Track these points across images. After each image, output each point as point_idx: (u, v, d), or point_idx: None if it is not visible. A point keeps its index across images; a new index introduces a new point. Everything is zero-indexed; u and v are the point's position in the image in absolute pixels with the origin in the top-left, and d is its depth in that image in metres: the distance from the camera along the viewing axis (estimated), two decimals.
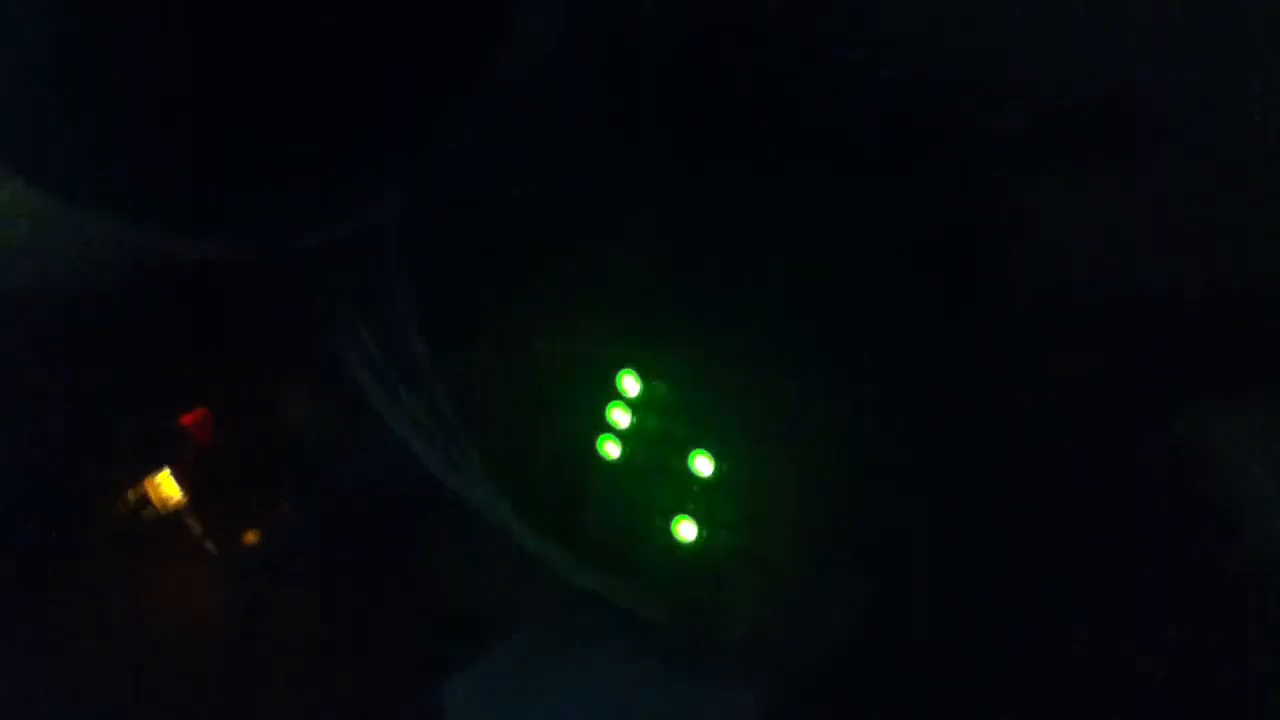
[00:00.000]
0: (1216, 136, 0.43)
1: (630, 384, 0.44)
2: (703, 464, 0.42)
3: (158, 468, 0.48)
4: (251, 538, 0.48)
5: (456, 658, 0.42)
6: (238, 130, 0.34)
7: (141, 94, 0.33)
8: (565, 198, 0.47)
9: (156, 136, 0.34)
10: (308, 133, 0.36)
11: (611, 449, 0.44)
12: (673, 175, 0.48)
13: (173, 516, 0.49)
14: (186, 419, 0.48)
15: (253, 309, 0.44)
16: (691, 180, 0.47)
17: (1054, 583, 0.43)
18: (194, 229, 0.35)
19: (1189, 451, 0.44)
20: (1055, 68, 0.44)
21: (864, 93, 0.48)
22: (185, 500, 0.49)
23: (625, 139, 0.48)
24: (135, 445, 0.48)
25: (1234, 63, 0.42)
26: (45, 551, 0.47)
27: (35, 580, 0.47)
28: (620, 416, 0.44)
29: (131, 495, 0.49)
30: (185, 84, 0.33)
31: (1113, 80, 0.44)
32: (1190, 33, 0.44)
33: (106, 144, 0.33)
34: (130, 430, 0.47)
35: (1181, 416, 0.44)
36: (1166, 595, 0.41)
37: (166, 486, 0.49)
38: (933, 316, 0.47)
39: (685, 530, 0.42)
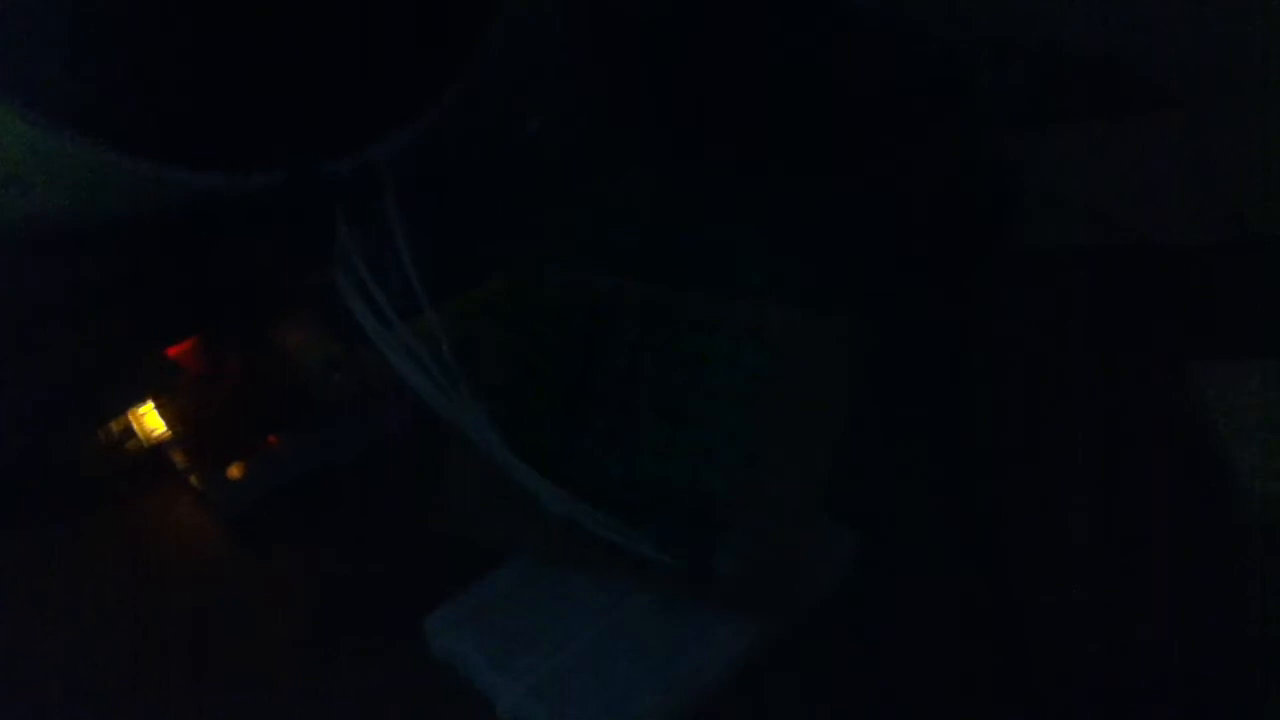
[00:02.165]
0: (1213, 93, 0.44)
1: (622, 322, 0.44)
2: (693, 404, 0.42)
3: (143, 399, 0.48)
4: (237, 471, 0.47)
5: (446, 588, 0.41)
6: (247, 60, 0.34)
7: (148, 22, 0.33)
8: (564, 138, 0.47)
9: (165, 66, 0.34)
10: (321, 62, 0.36)
11: (601, 386, 0.44)
12: (662, 151, 0.48)
13: (157, 449, 0.49)
14: (174, 350, 0.47)
15: (245, 239, 0.44)
16: (682, 158, 0.47)
17: (1047, 555, 0.43)
18: (201, 161, 0.35)
19: (1187, 404, 0.44)
20: (1056, 25, 0.45)
21: (864, 72, 0.48)
22: (170, 433, 0.48)
23: (623, 84, 0.48)
24: (121, 376, 0.47)
25: (1232, 19, 0.42)
26: (27, 481, 0.46)
27: (14, 510, 0.46)
28: (610, 355, 0.44)
29: (116, 427, 0.48)
30: (195, 11, 0.33)
31: (1112, 39, 0.44)
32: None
33: (111, 73, 0.33)
34: (116, 361, 0.46)
35: (1180, 368, 0.44)
36: (1166, 549, 0.41)
37: (151, 419, 0.48)
38: (930, 293, 0.47)
39: (674, 469, 0.42)
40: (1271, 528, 0.41)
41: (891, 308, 0.45)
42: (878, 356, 0.42)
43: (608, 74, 0.48)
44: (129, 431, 0.48)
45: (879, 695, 0.40)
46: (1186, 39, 0.45)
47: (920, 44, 0.47)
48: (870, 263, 0.45)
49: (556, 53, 0.47)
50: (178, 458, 0.48)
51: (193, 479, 0.48)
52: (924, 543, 0.43)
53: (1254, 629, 0.40)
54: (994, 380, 0.46)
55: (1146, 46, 0.45)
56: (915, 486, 0.44)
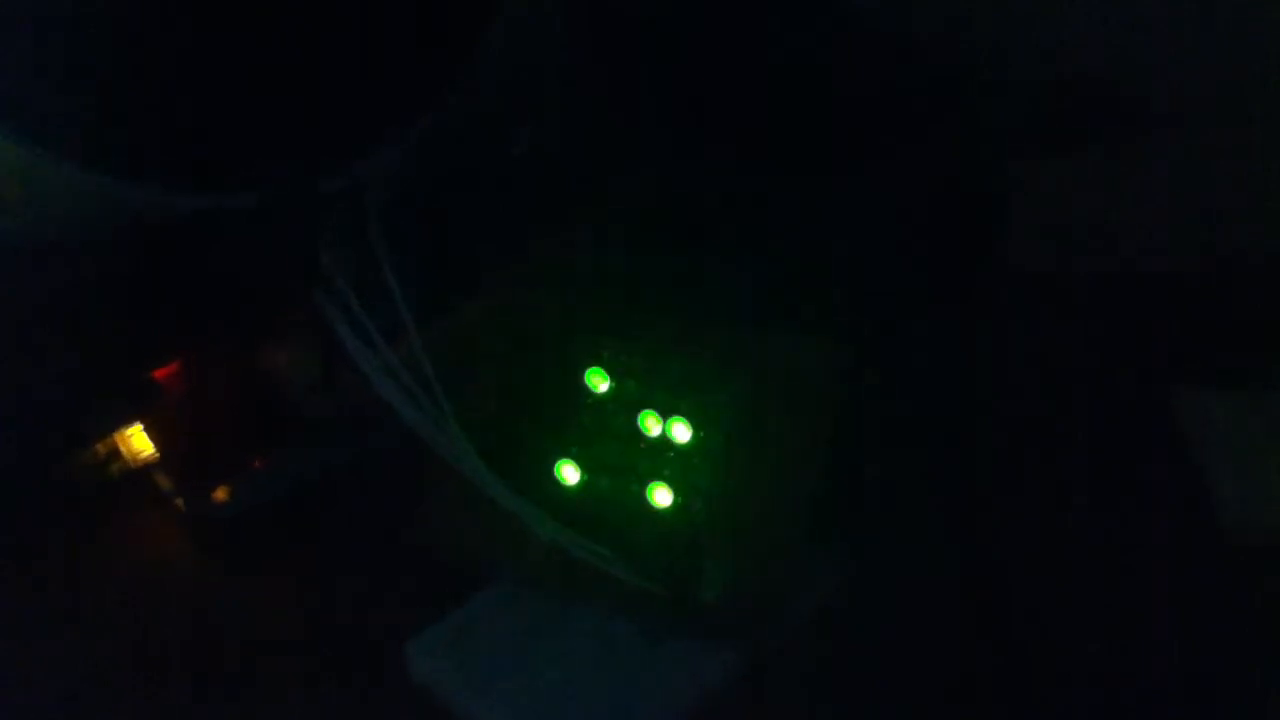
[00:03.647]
0: (1215, 118, 0.43)
1: (610, 350, 0.43)
2: (680, 431, 0.42)
3: (129, 421, 0.48)
4: (222, 494, 0.47)
5: (428, 613, 0.42)
6: (235, 80, 0.34)
7: (136, 45, 0.32)
8: (555, 165, 0.47)
9: (152, 88, 0.33)
10: (308, 81, 0.35)
11: (590, 414, 0.43)
12: (662, 152, 0.48)
13: (143, 471, 0.48)
14: (160, 373, 0.47)
15: (231, 263, 0.43)
16: (682, 159, 0.47)
17: (1044, 560, 0.43)
18: (191, 183, 0.34)
19: (1185, 430, 0.44)
20: (1057, 48, 0.44)
21: (863, 72, 0.47)
22: (156, 455, 0.48)
23: (616, 109, 0.47)
24: (107, 398, 0.47)
25: (1235, 45, 0.42)
26: (10, 504, 0.46)
27: (10, 514, 0.46)
28: (599, 381, 0.43)
29: (101, 449, 0.48)
30: (183, 31, 0.32)
31: (1114, 60, 0.43)
32: (1192, 14, 0.43)
33: (99, 96, 0.32)
34: (102, 383, 0.46)
35: (1178, 394, 0.44)
36: (1166, 574, 0.41)
37: (137, 440, 0.48)
38: (929, 294, 0.47)
39: (660, 496, 0.41)
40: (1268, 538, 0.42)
41: (891, 307, 0.45)
42: (877, 356, 0.42)
43: (608, 74, 0.48)
44: (115, 453, 0.48)
45: (879, 695, 0.40)
46: (1189, 51, 0.44)
47: (920, 44, 0.46)
48: (870, 262, 0.45)
49: (556, 53, 0.46)
50: (163, 480, 0.48)
51: (178, 502, 0.48)
52: (924, 543, 0.43)
53: (1254, 630, 0.40)
54: (994, 380, 0.46)
55: (1147, 52, 0.44)
56: (915, 487, 0.44)
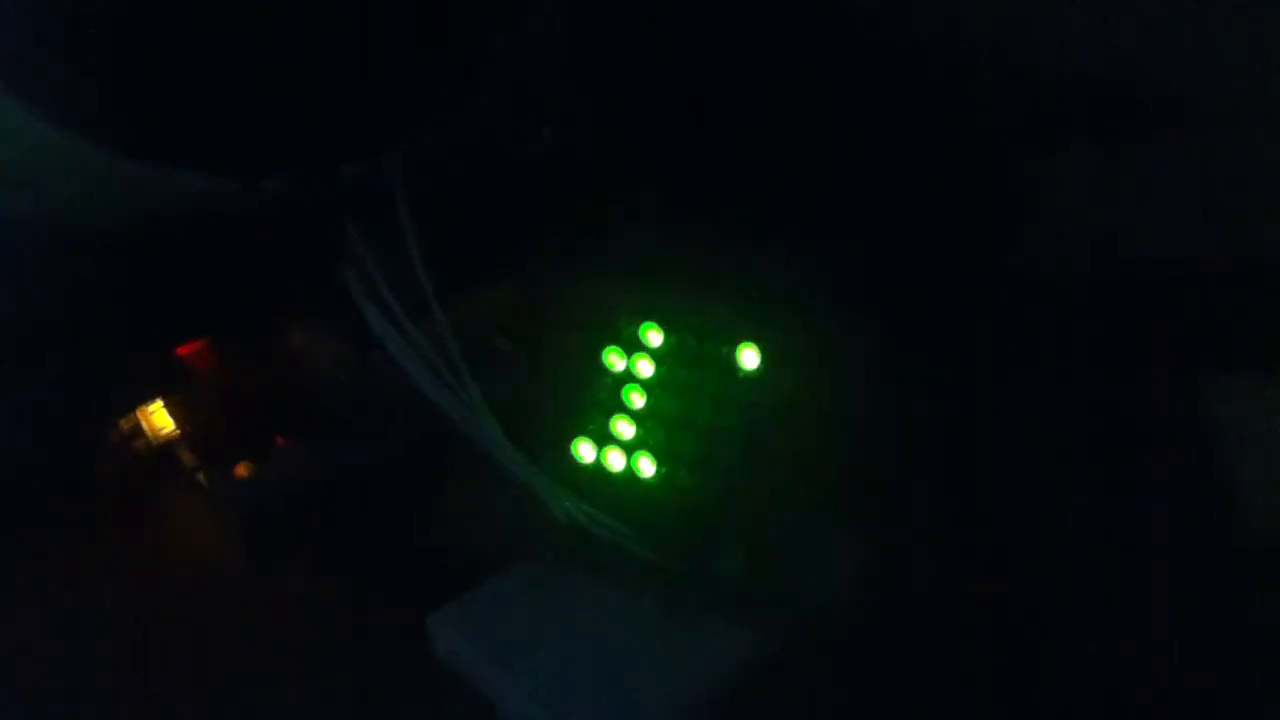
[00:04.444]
0: (1218, 116, 0.43)
1: (626, 328, 0.43)
2: (699, 408, 0.42)
3: (152, 398, 0.48)
4: (244, 471, 0.47)
5: (452, 591, 0.42)
6: (259, 65, 0.34)
7: (163, 27, 0.32)
8: (576, 144, 0.47)
9: (179, 71, 0.33)
10: (331, 66, 0.35)
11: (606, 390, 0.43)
12: (680, 132, 0.48)
13: (166, 447, 0.49)
14: (184, 350, 0.47)
15: (259, 243, 0.44)
16: (700, 135, 0.47)
17: (1044, 560, 0.43)
18: (217, 167, 0.34)
19: (1192, 424, 0.44)
20: (1061, 47, 0.44)
21: (863, 73, 0.47)
22: (179, 431, 0.48)
23: (617, 109, 0.48)
24: (130, 375, 0.47)
25: (1235, 45, 0.42)
26: (36, 478, 0.46)
27: (24, 507, 0.46)
28: (618, 361, 0.43)
29: (125, 425, 0.48)
30: (209, 14, 0.33)
31: (1114, 60, 0.43)
32: (1192, 14, 0.43)
33: (126, 81, 0.32)
34: (126, 360, 0.46)
35: (1184, 389, 0.44)
36: (1169, 570, 0.41)
37: (159, 417, 0.49)
38: (929, 294, 0.47)
39: (680, 473, 0.42)
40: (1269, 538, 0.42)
41: (892, 308, 0.45)
42: (878, 357, 0.42)
43: (608, 74, 0.48)
44: (138, 429, 0.49)
45: (880, 695, 0.40)
46: (1189, 51, 0.44)
47: (920, 44, 0.46)
48: (871, 263, 0.45)
49: (557, 53, 0.46)
50: (186, 456, 0.48)
51: (200, 477, 0.48)
52: (924, 543, 0.43)
53: (1254, 629, 0.40)
54: (996, 381, 0.46)
55: (1147, 52, 0.44)
56: (917, 487, 0.44)
